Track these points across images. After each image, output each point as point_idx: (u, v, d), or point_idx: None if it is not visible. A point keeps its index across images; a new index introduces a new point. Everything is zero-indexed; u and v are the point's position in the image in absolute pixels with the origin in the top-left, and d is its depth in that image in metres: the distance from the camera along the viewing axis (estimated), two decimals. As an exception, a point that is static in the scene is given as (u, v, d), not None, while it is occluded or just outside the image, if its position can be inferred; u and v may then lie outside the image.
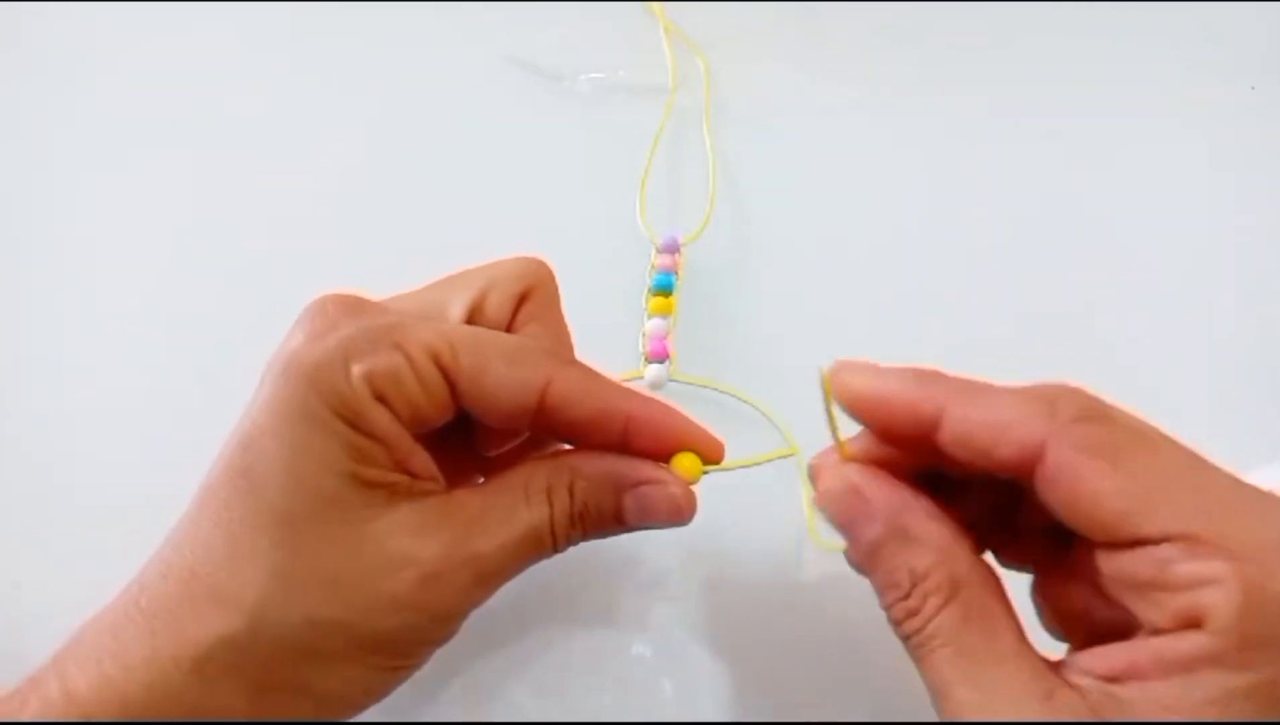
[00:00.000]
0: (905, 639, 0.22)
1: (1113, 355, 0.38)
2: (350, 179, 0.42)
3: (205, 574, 0.22)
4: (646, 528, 0.26)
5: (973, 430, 0.22)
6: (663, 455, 0.25)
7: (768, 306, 0.39)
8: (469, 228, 0.40)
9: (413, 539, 0.23)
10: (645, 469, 0.25)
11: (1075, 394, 0.22)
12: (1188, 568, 0.19)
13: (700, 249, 0.39)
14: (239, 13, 0.46)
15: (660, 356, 0.36)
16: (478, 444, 0.27)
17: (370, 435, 0.23)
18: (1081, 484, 0.20)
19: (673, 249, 0.38)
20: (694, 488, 0.26)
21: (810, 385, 0.37)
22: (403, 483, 0.24)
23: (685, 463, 0.25)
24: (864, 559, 0.23)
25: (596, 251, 0.40)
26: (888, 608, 0.23)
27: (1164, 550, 0.19)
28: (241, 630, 0.21)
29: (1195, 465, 0.20)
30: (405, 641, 0.24)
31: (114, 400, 0.36)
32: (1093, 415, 0.21)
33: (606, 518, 0.25)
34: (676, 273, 0.38)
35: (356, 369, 0.23)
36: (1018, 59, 0.46)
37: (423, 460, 0.24)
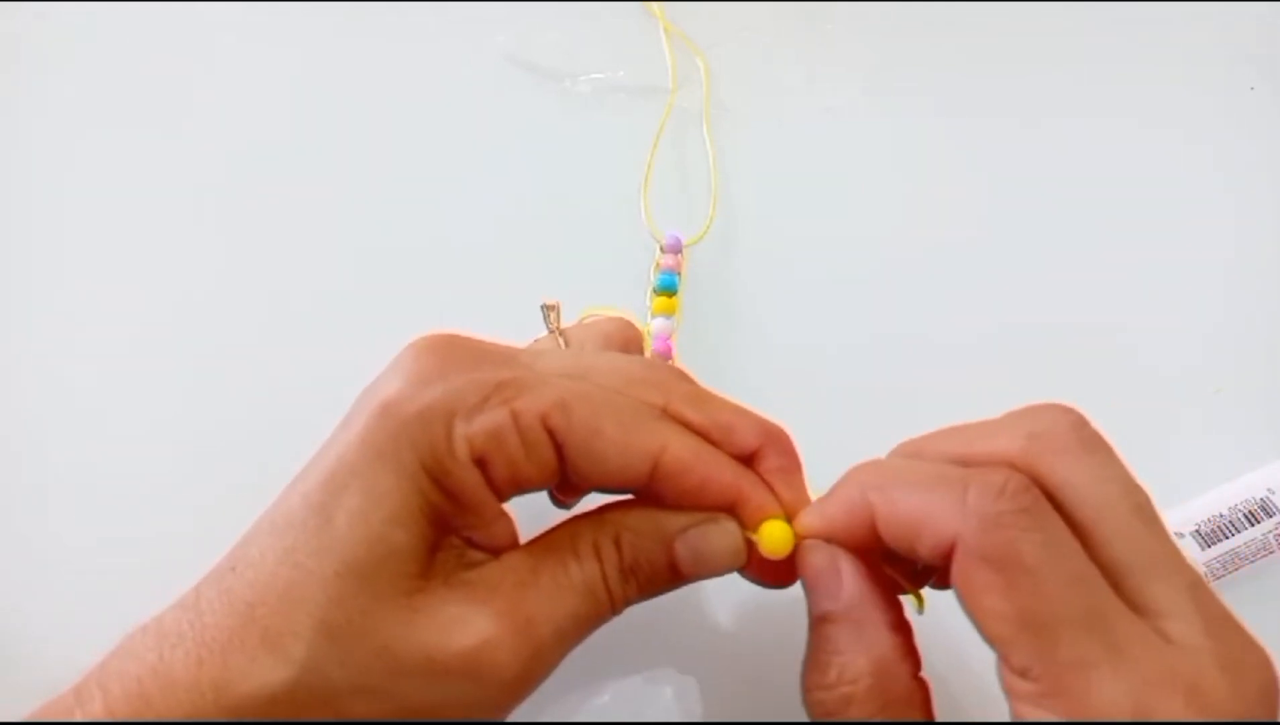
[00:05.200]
0: (809, 707, 0.23)
1: (1112, 355, 0.38)
2: (349, 179, 0.42)
3: (261, 613, 0.21)
4: (709, 576, 0.24)
5: (895, 528, 0.22)
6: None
7: (770, 306, 0.39)
8: (469, 228, 0.40)
9: (466, 606, 0.22)
10: (695, 514, 0.24)
11: (989, 476, 0.21)
12: (1037, 713, 0.19)
13: (703, 249, 0.39)
14: (238, 13, 0.46)
15: (664, 356, 0.36)
16: (555, 494, 0.27)
17: (455, 499, 0.22)
18: (976, 596, 0.20)
19: (676, 249, 0.38)
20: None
21: (812, 386, 0.37)
22: (469, 553, 0.23)
23: (772, 532, 0.24)
24: (812, 622, 0.24)
25: (599, 252, 0.40)
26: (804, 675, 0.23)
27: (1026, 685, 0.20)
28: (284, 684, 0.20)
29: (1092, 595, 0.20)
30: (449, 718, 0.22)
31: (114, 421, 0.36)
32: (999, 518, 0.20)
33: (660, 569, 0.24)
34: (680, 273, 0.38)
35: (460, 428, 0.22)
36: (1017, 59, 0.46)
37: (504, 530, 0.23)
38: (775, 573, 0.25)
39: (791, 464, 0.25)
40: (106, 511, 0.34)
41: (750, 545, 0.24)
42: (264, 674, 0.20)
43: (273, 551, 0.22)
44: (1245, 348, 0.38)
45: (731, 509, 0.24)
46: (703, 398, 0.25)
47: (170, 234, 0.40)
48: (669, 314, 0.37)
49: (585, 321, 0.31)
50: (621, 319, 0.30)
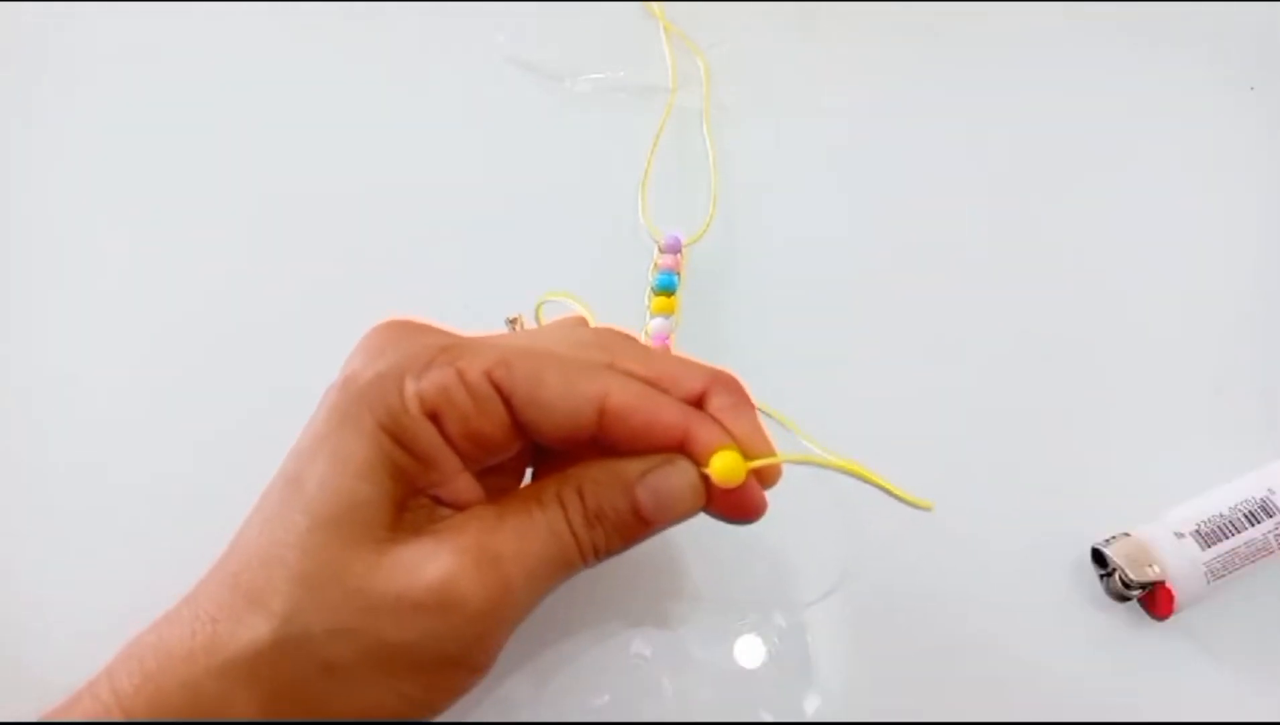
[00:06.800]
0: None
1: (1112, 355, 0.38)
2: (348, 180, 0.42)
3: (245, 578, 0.22)
4: (675, 521, 0.25)
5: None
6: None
7: (769, 306, 0.39)
8: (468, 229, 0.40)
9: (432, 547, 0.23)
10: (652, 458, 0.24)
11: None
12: None
13: (702, 249, 0.39)
14: (239, 14, 0.46)
15: (662, 356, 0.36)
16: (538, 474, 0.27)
17: (414, 453, 0.23)
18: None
19: (675, 249, 0.38)
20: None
21: (812, 385, 0.37)
22: (437, 511, 0.24)
23: (723, 461, 0.24)
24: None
25: (598, 252, 0.40)
26: None
27: None
28: (266, 638, 0.22)
29: None
30: (427, 659, 0.23)
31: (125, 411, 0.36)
32: None
33: (625, 516, 0.24)
34: (679, 273, 0.38)
35: (410, 386, 0.23)
36: (1017, 59, 0.46)
37: (467, 485, 0.24)
38: (739, 506, 0.25)
39: (740, 400, 0.26)
40: (110, 511, 0.34)
41: (709, 482, 0.24)
42: (248, 632, 0.22)
43: (254, 524, 0.23)
44: (1245, 348, 0.38)
45: (683, 448, 0.24)
46: (647, 352, 0.26)
47: (175, 235, 0.40)
48: (668, 314, 0.37)
49: (542, 311, 0.32)
50: (578, 316, 0.30)
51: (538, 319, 0.33)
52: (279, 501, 0.23)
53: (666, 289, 0.37)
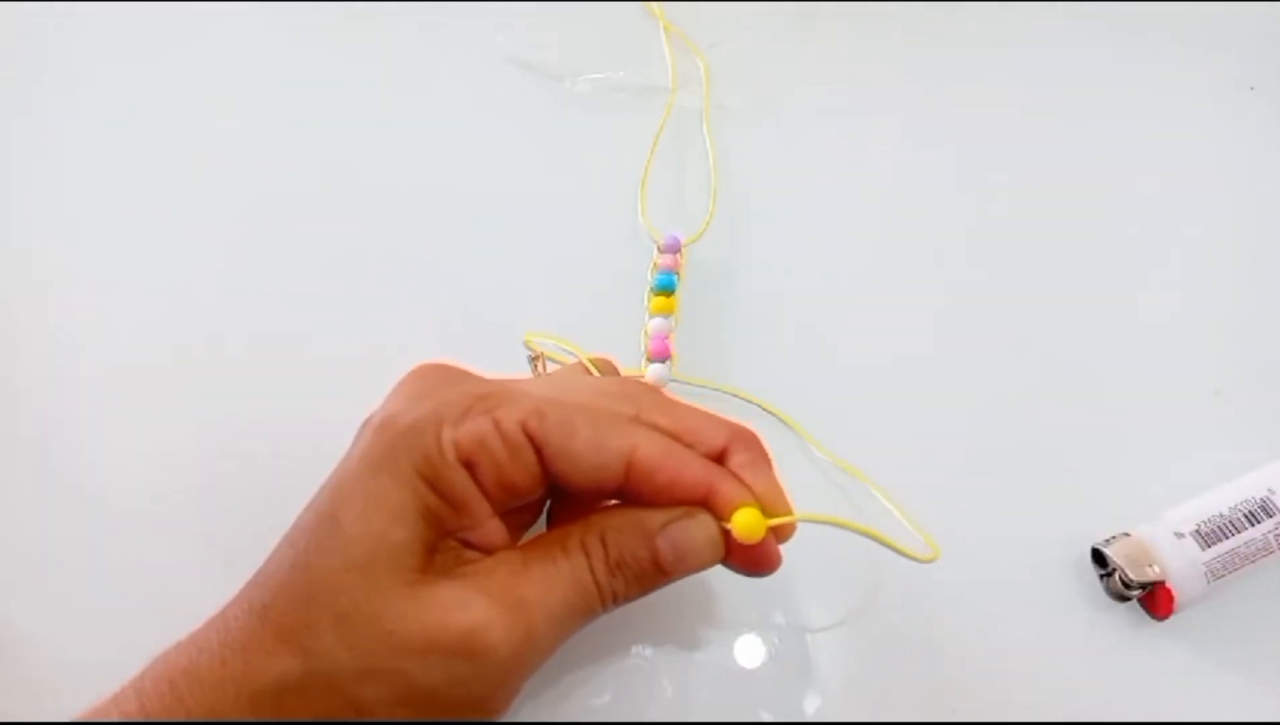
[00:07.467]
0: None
1: (1112, 355, 0.38)
2: (349, 180, 0.42)
3: (277, 613, 0.23)
4: (692, 572, 0.25)
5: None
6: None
7: (769, 306, 0.39)
8: (468, 228, 0.40)
9: (462, 592, 0.23)
10: (673, 510, 0.25)
11: None
12: None
13: (701, 249, 0.39)
14: (239, 15, 0.46)
15: (662, 356, 0.36)
16: (555, 514, 0.28)
17: (448, 499, 0.24)
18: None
19: (674, 249, 0.38)
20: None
21: (812, 385, 0.37)
22: (465, 553, 0.24)
23: (744, 518, 0.25)
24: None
25: (598, 251, 0.40)
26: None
27: None
28: (295, 673, 0.22)
29: None
30: (451, 702, 0.23)
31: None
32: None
33: (644, 565, 0.25)
34: (678, 272, 0.38)
35: (447, 434, 0.24)
36: (1017, 59, 0.46)
37: (496, 529, 0.25)
38: (756, 560, 0.26)
39: (760, 457, 0.26)
40: (109, 510, 0.34)
41: (728, 536, 0.25)
42: (279, 666, 0.22)
43: (287, 559, 0.24)
44: (1245, 348, 0.38)
45: (706, 503, 0.25)
46: (672, 405, 0.27)
47: (175, 235, 0.40)
48: (667, 313, 0.37)
49: (534, 342, 0.33)
50: (603, 360, 0.32)
51: (530, 349, 0.33)
52: (313, 538, 0.24)
53: (666, 289, 0.37)
